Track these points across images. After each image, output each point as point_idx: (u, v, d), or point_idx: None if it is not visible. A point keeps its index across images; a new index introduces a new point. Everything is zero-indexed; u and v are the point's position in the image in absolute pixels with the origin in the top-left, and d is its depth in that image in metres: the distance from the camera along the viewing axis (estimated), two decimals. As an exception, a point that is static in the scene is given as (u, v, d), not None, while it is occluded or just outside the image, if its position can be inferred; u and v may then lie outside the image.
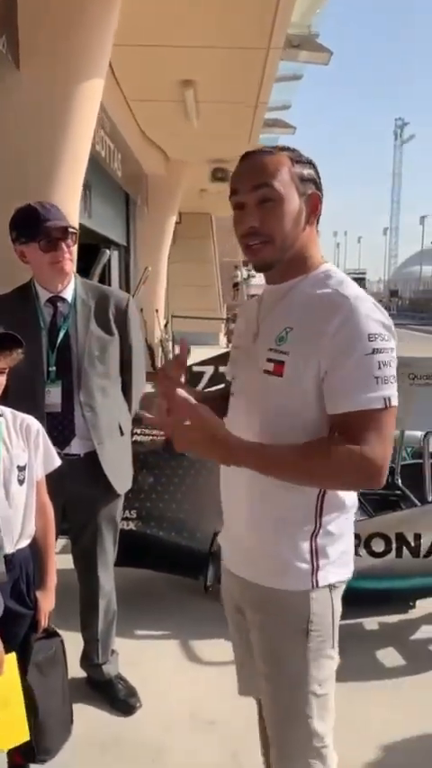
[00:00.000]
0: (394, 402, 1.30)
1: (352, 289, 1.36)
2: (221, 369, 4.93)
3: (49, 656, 1.92)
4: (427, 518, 2.98)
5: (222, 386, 1.78)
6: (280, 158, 1.38)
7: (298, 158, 1.41)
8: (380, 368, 1.28)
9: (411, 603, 3.20)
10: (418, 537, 2.92)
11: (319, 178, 1.44)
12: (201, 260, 17.43)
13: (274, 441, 1.34)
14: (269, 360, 1.38)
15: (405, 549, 2.92)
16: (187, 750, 2.29)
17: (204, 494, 3.21)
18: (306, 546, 1.40)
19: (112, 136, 7.49)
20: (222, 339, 17.04)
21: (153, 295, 11.06)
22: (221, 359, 5.20)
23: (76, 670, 2.53)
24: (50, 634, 1.97)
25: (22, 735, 1.73)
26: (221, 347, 14.89)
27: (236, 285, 26.15)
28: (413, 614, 3.18)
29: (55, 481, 2.01)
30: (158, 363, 11.14)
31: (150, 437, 4.36)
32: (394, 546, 2.92)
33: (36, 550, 1.95)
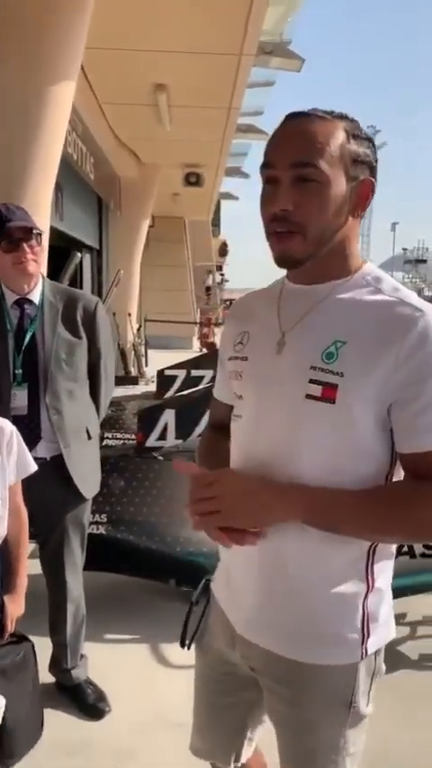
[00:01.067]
0: None
1: (417, 298, 1.12)
2: (194, 372, 4.95)
3: (17, 660, 1.90)
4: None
5: (198, 393, 1.63)
6: (334, 129, 1.09)
7: (357, 133, 1.12)
8: None
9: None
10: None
11: (376, 161, 1.16)
12: (174, 264, 17.46)
13: (318, 482, 1.11)
14: (314, 381, 1.10)
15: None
16: (156, 752, 2.28)
17: (175, 498, 3.22)
18: (356, 613, 1.17)
19: (85, 138, 7.48)
20: (195, 343, 17.08)
21: (126, 298, 11.04)
22: (193, 363, 5.23)
23: (44, 675, 2.50)
24: (20, 638, 1.95)
25: None
26: (194, 351, 14.91)
27: (208, 289, 26.21)
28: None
29: (22, 485, 1.99)
30: (131, 367, 11.12)
31: (122, 441, 4.36)
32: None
33: (6, 554, 1.93)
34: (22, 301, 2.28)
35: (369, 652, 1.20)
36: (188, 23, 5.22)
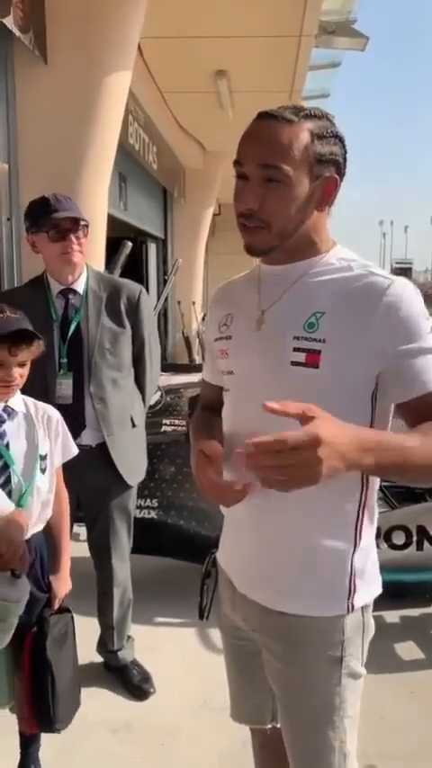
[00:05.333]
0: None
1: (385, 271, 1.23)
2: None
3: (63, 631, 1.97)
4: (450, 511, 2.93)
5: (196, 393, 1.64)
6: (299, 132, 1.16)
7: (323, 133, 1.19)
8: None
9: (433, 597, 3.15)
10: (439, 530, 2.87)
11: (343, 157, 1.24)
12: (240, 252, 17.08)
13: None
14: (298, 349, 1.20)
15: (426, 542, 2.88)
16: (198, 736, 2.31)
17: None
18: (344, 568, 1.26)
19: (147, 128, 7.53)
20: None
21: (190, 287, 11.11)
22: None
23: (93, 655, 2.58)
24: (61, 610, 2.02)
25: None
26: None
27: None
28: (435, 608, 3.14)
29: (68, 471, 2.04)
30: (195, 356, 11.19)
31: (174, 427, 4.40)
32: (415, 539, 2.88)
33: (51, 536, 2.00)
34: (67, 291, 2.31)
35: (356, 606, 1.28)
36: (245, 7, 5.16)
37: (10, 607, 1.70)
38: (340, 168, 1.24)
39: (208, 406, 1.52)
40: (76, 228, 2.22)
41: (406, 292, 1.19)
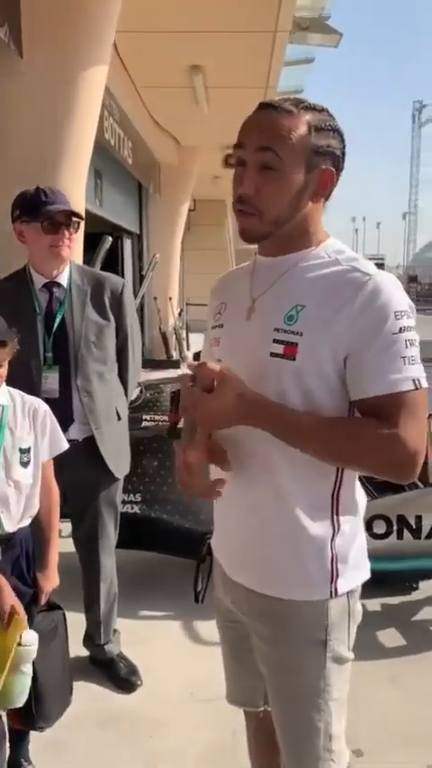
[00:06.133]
0: (424, 383, 1.20)
1: (371, 265, 1.25)
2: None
3: (51, 627, 1.97)
4: (428, 500, 2.98)
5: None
6: (298, 122, 1.20)
7: (321, 125, 1.22)
8: (407, 347, 1.19)
9: (414, 585, 3.21)
10: (419, 519, 2.93)
11: (341, 151, 1.27)
12: (215, 247, 17.38)
13: None
14: (277, 341, 1.24)
15: (406, 531, 2.93)
16: (187, 727, 2.33)
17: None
18: (325, 553, 1.29)
19: (122, 123, 7.49)
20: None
21: (167, 283, 11.08)
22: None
23: (79, 649, 2.58)
24: (52, 607, 2.02)
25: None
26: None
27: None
28: (415, 596, 3.20)
29: (56, 466, 2.04)
30: (172, 352, 11.18)
31: (158, 423, 4.41)
32: (395, 528, 2.93)
33: (38, 530, 2.00)
34: (51, 285, 2.31)
35: (340, 592, 1.30)
36: (221, 2, 5.16)
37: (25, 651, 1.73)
38: (338, 161, 1.26)
39: None
40: (69, 223, 2.23)
41: (383, 290, 1.20)
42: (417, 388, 1.19)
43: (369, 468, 1.27)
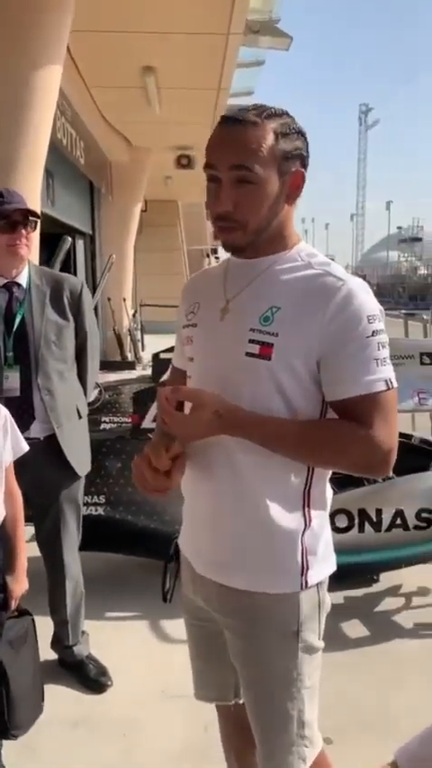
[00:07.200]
0: (395, 383, 1.26)
1: (342, 270, 1.29)
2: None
3: (21, 634, 1.95)
4: (388, 493, 3.06)
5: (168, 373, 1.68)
6: (264, 133, 1.23)
7: (286, 131, 1.26)
8: (379, 349, 1.24)
9: (375, 577, 3.30)
10: (379, 512, 3.01)
11: (306, 151, 1.31)
12: (168, 248, 17.39)
13: None
14: (253, 341, 1.26)
15: (367, 524, 3.01)
16: (159, 724, 2.34)
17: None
18: (296, 547, 1.33)
19: (74, 123, 7.44)
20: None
21: (120, 284, 11.04)
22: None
23: (47, 652, 2.56)
24: (21, 613, 2.00)
25: None
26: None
27: (204, 273, 26.02)
28: (377, 587, 3.29)
29: (17, 467, 2.03)
30: (127, 353, 11.13)
31: (118, 424, 4.40)
32: (357, 521, 3.00)
33: (5, 536, 1.98)
34: (11, 285, 2.32)
35: (310, 583, 1.35)
36: (175, 4, 5.18)
37: None
38: (305, 161, 1.31)
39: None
40: (26, 222, 2.24)
41: (356, 295, 1.24)
42: (389, 389, 1.25)
43: (345, 468, 1.32)
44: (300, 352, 1.25)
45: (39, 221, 2.32)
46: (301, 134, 1.29)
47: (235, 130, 1.24)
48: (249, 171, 1.22)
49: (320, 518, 1.37)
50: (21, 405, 2.28)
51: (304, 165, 1.31)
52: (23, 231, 2.23)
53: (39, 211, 4.06)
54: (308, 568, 1.34)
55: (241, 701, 1.52)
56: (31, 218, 2.25)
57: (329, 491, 1.42)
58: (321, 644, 1.41)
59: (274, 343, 1.25)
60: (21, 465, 2.03)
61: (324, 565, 1.39)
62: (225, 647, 1.47)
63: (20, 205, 2.23)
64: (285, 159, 1.26)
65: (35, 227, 2.29)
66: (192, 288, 1.52)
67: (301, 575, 1.33)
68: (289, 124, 1.27)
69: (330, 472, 1.40)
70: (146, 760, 2.19)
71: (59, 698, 2.43)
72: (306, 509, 1.33)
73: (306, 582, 1.34)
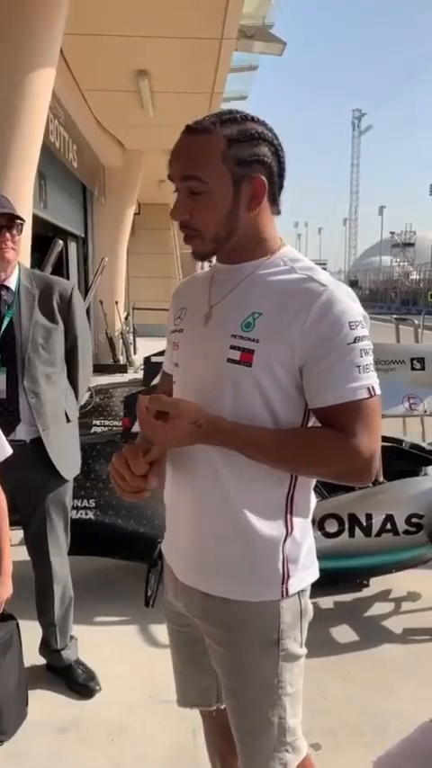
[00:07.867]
0: (378, 390, 1.24)
1: (326, 275, 1.27)
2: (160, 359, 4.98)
3: (5, 639, 1.94)
4: (378, 498, 3.07)
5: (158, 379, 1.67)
6: (214, 140, 1.22)
7: (240, 137, 1.23)
8: (362, 356, 1.22)
9: (365, 582, 3.30)
10: (369, 516, 3.01)
11: (271, 154, 1.26)
12: (161, 251, 17.36)
13: None
14: (234, 347, 1.26)
15: (357, 529, 3.01)
16: (147, 729, 2.33)
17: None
18: (276, 555, 1.32)
19: (67, 126, 7.44)
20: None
21: (113, 287, 11.04)
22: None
23: (35, 657, 2.55)
24: (5, 617, 1.99)
25: None
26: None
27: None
28: (366, 592, 3.29)
29: (2, 470, 2.02)
30: (119, 356, 11.12)
31: (109, 428, 4.39)
32: (347, 526, 3.00)
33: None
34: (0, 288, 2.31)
35: (291, 592, 1.33)
36: (169, 8, 5.20)
37: None
38: (269, 168, 1.26)
39: (164, 394, 1.58)
40: (12, 226, 2.24)
41: (338, 301, 1.22)
42: (372, 396, 1.23)
43: (328, 476, 1.32)
44: (281, 359, 1.24)
45: (24, 224, 2.31)
46: (263, 140, 1.25)
47: (188, 139, 1.24)
48: (199, 181, 1.23)
49: (302, 525, 1.36)
50: (6, 407, 2.28)
51: (269, 172, 1.27)
52: (8, 235, 2.23)
53: (31, 214, 4.09)
54: (288, 577, 1.33)
55: (223, 707, 1.52)
56: (16, 221, 2.24)
57: (313, 498, 1.41)
58: (303, 651, 1.40)
59: (255, 349, 1.24)
60: (6, 468, 2.03)
61: (305, 573, 1.37)
62: (206, 652, 1.46)
63: (4, 209, 2.22)
64: (240, 165, 1.23)
65: (21, 231, 2.29)
66: (180, 293, 1.52)
67: (282, 583, 1.32)
68: (248, 130, 1.23)
69: (314, 479, 1.39)
70: (134, 765, 2.18)
71: (47, 702, 2.42)
72: (288, 516, 1.33)
73: (287, 590, 1.33)
